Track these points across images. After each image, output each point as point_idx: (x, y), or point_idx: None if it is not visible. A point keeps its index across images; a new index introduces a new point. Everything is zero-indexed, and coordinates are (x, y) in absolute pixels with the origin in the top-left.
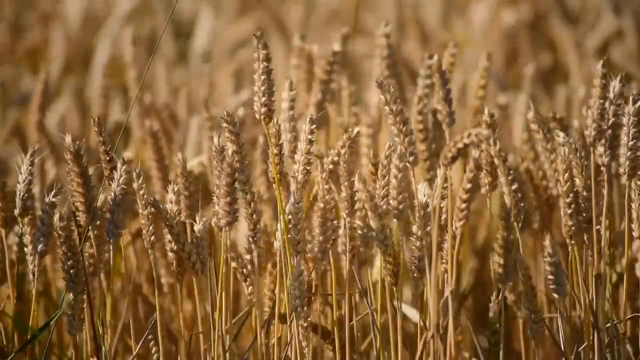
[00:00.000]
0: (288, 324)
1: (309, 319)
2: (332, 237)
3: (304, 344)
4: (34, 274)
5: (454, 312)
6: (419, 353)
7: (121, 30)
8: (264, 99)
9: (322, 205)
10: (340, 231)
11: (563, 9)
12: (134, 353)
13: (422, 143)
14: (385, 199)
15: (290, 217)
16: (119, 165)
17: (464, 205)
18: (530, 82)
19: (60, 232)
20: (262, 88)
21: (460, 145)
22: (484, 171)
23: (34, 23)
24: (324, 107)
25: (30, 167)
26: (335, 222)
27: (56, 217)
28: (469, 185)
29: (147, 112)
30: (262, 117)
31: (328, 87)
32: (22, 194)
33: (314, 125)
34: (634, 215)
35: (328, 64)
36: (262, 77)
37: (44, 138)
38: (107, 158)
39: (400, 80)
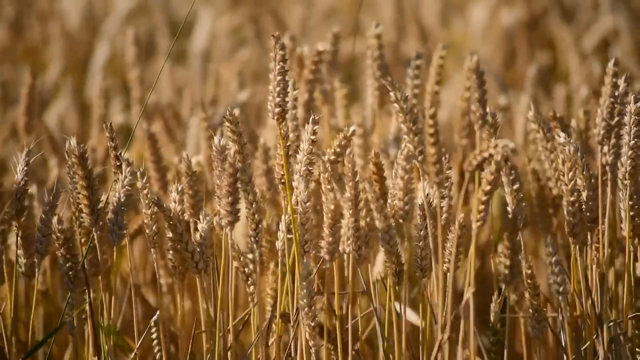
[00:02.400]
0: (291, 323)
1: (316, 319)
2: (341, 238)
3: (311, 343)
4: (25, 275)
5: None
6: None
7: (120, 30)
8: (278, 99)
9: (332, 206)
10: (343, 231)
11: (560, 8)
12: (134, 350)
13: (432, 147)
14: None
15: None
16: (123, 166)
17: (482, 207)
18: (532, 82)
19: (58, 234)
20: (278, 89)
21: (485, 154)
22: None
23: (34, 23)
24: (312, 107)
25: (25, 168)
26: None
27: (54, 220)
28: (488, 187)
29: (150, 112)
30: (275, 117)
31: (314, 87)
32: (17, 194)
33: (317, 126)
34: (623, 214)
35: (313, 64)
36: (278, 77)
37: (47, 137)
38: (118, 164)
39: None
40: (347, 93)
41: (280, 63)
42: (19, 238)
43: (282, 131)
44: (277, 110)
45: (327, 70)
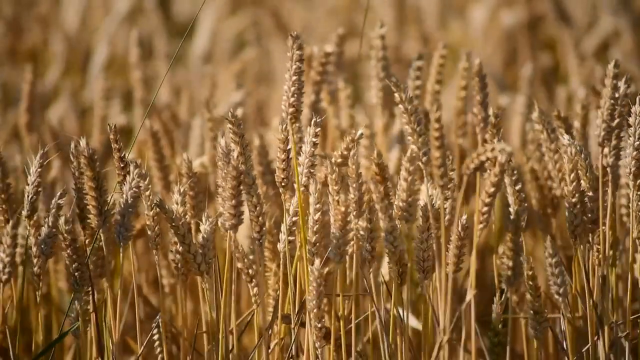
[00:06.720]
0: (292, 325)
1: (323, 321)
2: (351, 240)
3: (317, 344)
4: (38, 276)
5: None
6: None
7: (119, 31)
8: (292, 99)
9: (343, 208)
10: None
11: (561, 10)
12: (139, 353)
13: (437, 150)
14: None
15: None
16: (131, 168)
17: (485, 209)
18: (528, 83)
19: (65, 235)
20: (292, 89)
21: (483, 158)
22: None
23: (33, 24)
24: (318, 107)
25: (39, 169)
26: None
27: (62, 220)
28: (492, 190)
29: (149, 112)
30: (288, 117)
31: (321, 88)
32: (30, 195)
33: (319, 129)
34: (633, 215)
35: (320, 65)
36: (294, 77)
37: (51, 137)
38: (121, 164)
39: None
40: (349, 94)
41: (297, 63)
42: (28, 240)
43: (293, 132)
44: (290, 110)
45: (333, 71)
